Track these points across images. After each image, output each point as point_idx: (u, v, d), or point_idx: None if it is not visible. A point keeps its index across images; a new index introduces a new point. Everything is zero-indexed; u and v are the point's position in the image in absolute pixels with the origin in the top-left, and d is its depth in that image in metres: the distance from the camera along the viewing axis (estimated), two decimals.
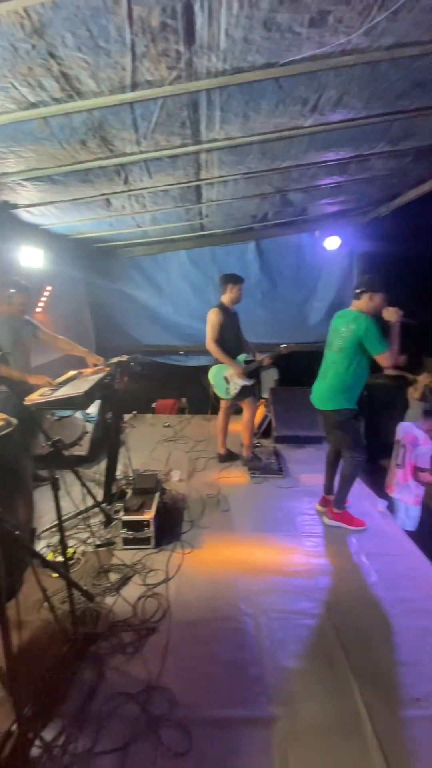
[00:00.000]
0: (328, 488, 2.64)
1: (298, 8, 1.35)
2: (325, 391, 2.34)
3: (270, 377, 5.53)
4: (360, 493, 2.99)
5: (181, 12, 1.32)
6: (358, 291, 2.28)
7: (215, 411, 3.74)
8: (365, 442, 2.36)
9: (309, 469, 3.48)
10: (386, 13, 1.38)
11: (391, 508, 3.20)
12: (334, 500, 2.48)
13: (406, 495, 3.05)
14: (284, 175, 2.93)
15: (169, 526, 2.53)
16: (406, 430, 3.10)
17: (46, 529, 2.43)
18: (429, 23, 1.45)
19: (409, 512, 3.03)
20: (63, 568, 1.78)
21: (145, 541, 2.33)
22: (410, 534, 3.00)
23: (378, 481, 3.49)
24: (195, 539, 2.43)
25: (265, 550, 2.36)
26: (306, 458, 3.78)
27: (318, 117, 2.05)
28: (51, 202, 2.86)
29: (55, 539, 2.34)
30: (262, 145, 2.32)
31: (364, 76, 1.74)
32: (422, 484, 2.91)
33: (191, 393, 5.61)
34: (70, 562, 2.17)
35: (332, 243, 4.67)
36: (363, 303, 2.26)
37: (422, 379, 4.74)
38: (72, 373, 2.66)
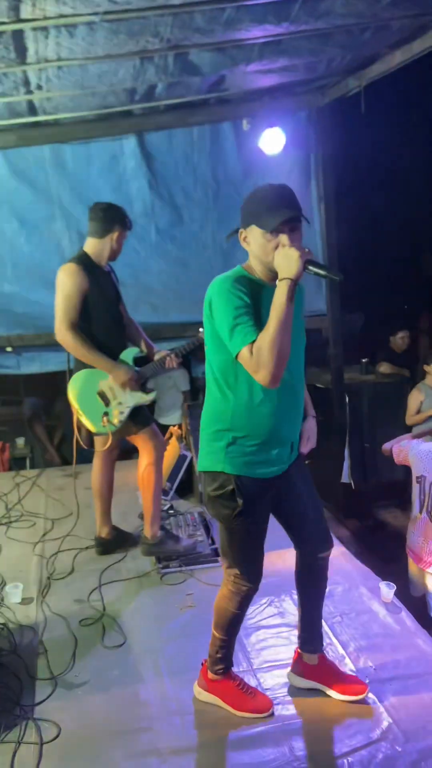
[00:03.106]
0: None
1: None
2: (201, 433, 2.28)
3: (173, 386, 5.63)
4: (349, 575, 3.18)
5: None
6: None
7: (86, 459, 3.68)
8: (261, 566, 2.30)
9: (265, 545, 3.59)
10: None
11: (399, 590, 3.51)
12: (213, 661, 2.40)
13: None
14: (180, 18, 3.02)
15: (4, 696, 2.45)
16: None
17: None
18: None
19: None
20: None
21: None
22: None
23: (378, 549, 3.76)
24: (63, 710, 2.39)
25: (196, 705, 2.39)
26: None
27: None
28: None
29: None
30: None
31: None
32: None
33: (34, 426, 5.49)
34: None
35: (272, 141, 4.94)
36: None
37: None
38: None
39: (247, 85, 4.60)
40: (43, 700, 2.45)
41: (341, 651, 2.68)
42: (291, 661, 2.53)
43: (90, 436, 3.50)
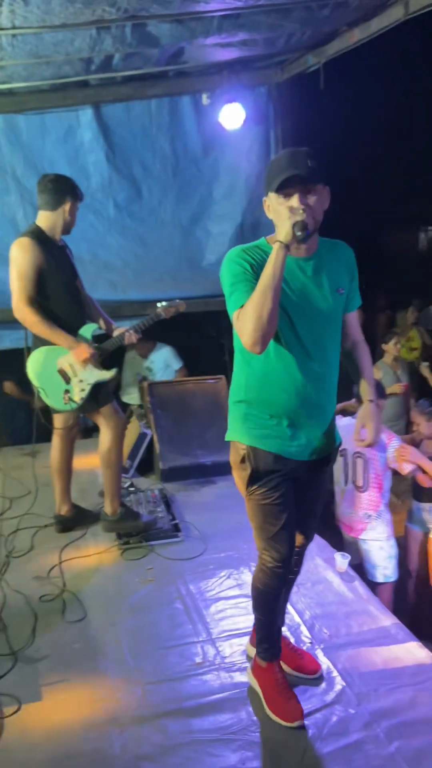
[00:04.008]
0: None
1: None
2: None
3: (139, 365, 5.63)
4: (312, 550, 3.29)
5: None
6: None
7: (46, 437, 3.67)
8: (288, 543, 2.18)
9: (223, 520, 3.66)
10: None
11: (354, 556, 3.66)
12: (256, 641, 2.36)
13: (381, 529, 3.51)
14: None
15: None
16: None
17: None
18: None
19: (385, 553, 3.50)
20: None
21: None
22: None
23: (332, 521, 3.87)
24: (23, 685, 2.41)
25: (155, 676, 2.45)
26: (216, 500, 3.99)
27: None
28: None
29: None
30: None
31: None
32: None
33: None
34: None
35: (232, 116, 4.92)
36: None
37: (391, 348, 5.45)
38: None
39: (206, 59, 4.56)
40: (3, 675, 2.46)
41: (297, 619, 2.76)
42: (249, 630, 2.59)
43: (49, 414, 3.48)
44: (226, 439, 2.22)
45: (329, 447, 2.20)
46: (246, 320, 1.85)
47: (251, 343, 1.87)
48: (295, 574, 2.47)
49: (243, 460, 2.11)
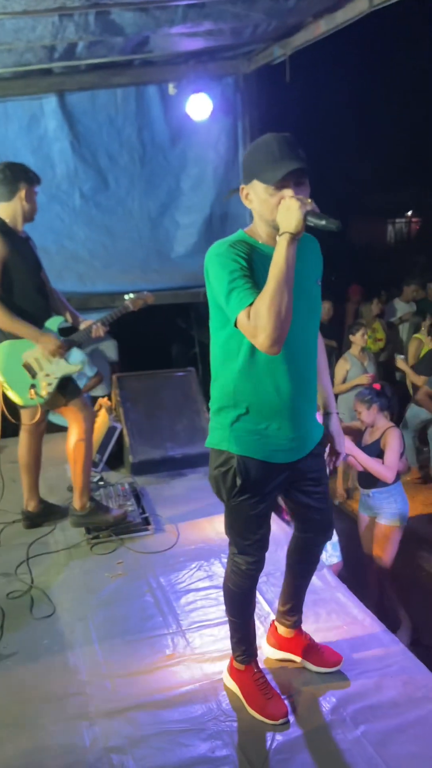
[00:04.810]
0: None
1: None
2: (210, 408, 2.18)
3: (101, 357, 5.60)
4: (274, 536, 3.33)
5: None
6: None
7: (13, 432, 3.66)
8: (264, 548, 2.21)
9: (194, 512, 3.70)
10: None
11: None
12: (232, 645, 2.34)
13: None
14: None
15: None
16: None
17: None
18: None
19: None
20: None
21: None
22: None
23: None
24: None
25: (125, 669, 2.47)
26: (187, 493, 4.01)
27: None
28: None
29: None
30: None
31: None
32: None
33: None
34: None
35: (199, 106, 4.93)
36: None
37: (358, 339, 5.54)
38: None
39: (172, 48, 4.56)
40: None
41: (267, 609, 2.80)
42: (219, 620, 2.63)
43: (15, 410, 3.45)
44: (210, 446, 2.11)
45: (317, 437, 2.18)
46: (262, 320, 1.71)
47: (270, 344, 1.74)
48: (313, 568, 2.45)
49: (230, 471, 2.02)
